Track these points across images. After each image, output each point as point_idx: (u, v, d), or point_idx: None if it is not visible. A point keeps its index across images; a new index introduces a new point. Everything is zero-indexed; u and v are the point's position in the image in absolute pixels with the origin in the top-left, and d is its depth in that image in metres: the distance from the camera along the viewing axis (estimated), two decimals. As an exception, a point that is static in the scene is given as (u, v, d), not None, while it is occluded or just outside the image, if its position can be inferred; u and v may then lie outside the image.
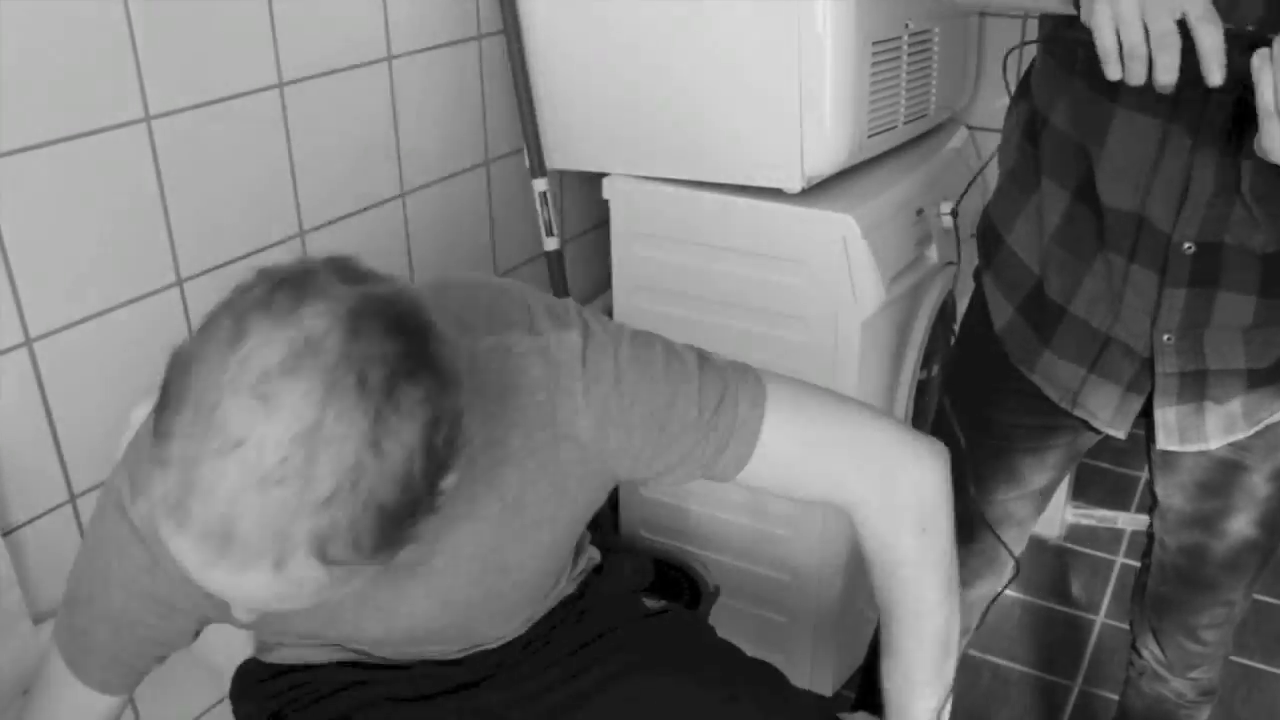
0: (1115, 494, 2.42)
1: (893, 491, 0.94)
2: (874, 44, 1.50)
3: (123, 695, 0.97)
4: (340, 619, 0.95)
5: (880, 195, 1.60)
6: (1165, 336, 1.10)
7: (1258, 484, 1.19)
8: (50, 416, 1.19)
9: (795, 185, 1.52)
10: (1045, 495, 1.32)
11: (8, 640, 1.16)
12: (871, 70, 1.51)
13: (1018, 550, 1.35)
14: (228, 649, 1.25)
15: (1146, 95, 0.88)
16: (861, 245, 1.51)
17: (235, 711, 1.12)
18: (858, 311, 1.56)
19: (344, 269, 0.70)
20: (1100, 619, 2.08)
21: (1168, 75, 0.81)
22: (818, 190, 1.56)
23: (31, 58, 1.09)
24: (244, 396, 0.65)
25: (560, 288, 1.79)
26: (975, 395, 1.29)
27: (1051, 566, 2.24)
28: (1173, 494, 1.24)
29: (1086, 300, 1.13)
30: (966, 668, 1.97)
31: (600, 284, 2.01)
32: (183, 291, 1.29)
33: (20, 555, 1.19)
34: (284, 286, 0.67)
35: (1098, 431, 1.22)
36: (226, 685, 1.47)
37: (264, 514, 0.64)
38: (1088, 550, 2.28)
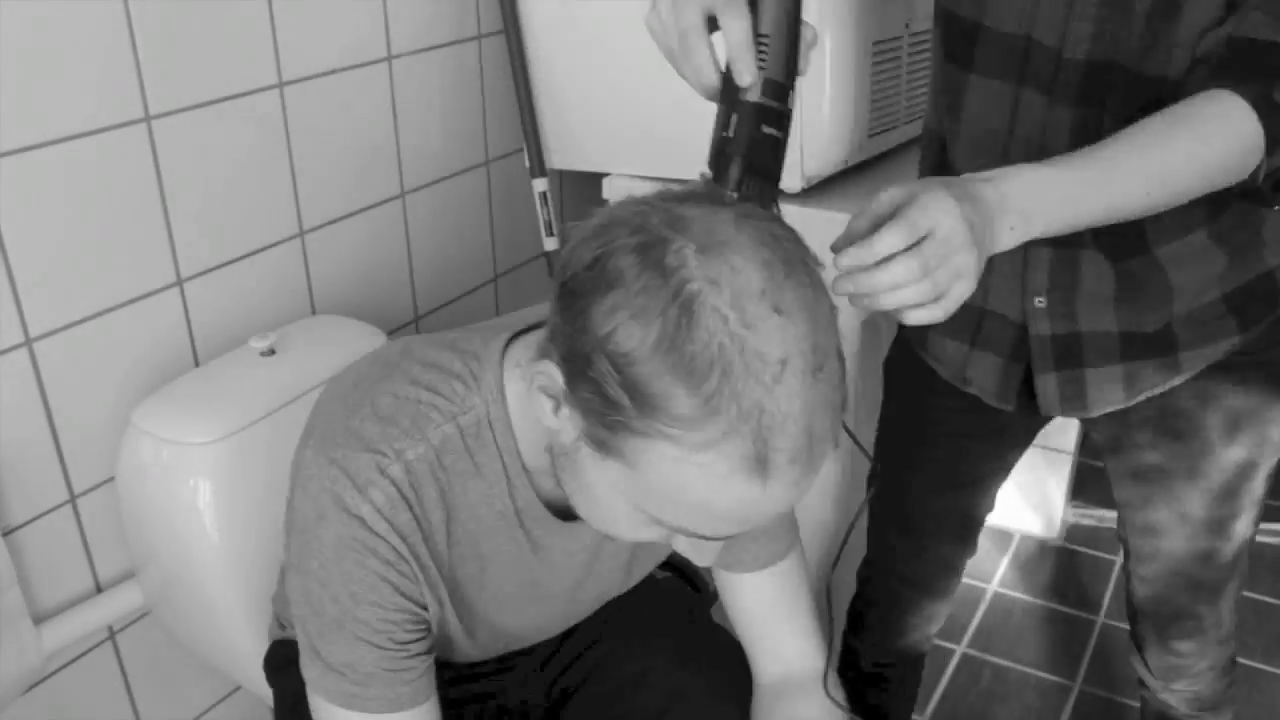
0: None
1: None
2: (874, 44, 1.50)
3: (431, 696, 0.90)
4: (514, 612, 0.99)
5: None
6: (1037, 300, 1.08)
7: (1258, 484, 1.17)
8: (50, 416, 1.19)
9: (795, 185, 1.52)
10: (980, 487, 1.31)
11: (8, 640, 1.16)
12: (871, 70, 1.51)
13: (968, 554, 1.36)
14: (229, 649, 1.26)
15: (995, 65, 0.92)
16: (861, 245, 1.51)
17: (272, 682, 1.12)
18: (858, 311, 1.56)
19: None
20: (1100, 619, 2.08)
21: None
22: (818, 190, 1.56)
23: (31, 58, 1.09)
24: (767, 320, 0.67)
25: (560, 288, 1.80)
26: (903, 392, 1.29)
27: (1051, 566, 2.24)
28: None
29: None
30: (967, 667, 1.98)
31: (600, 284, 2.01)
32: (183, 291, 1.30)
33: (20, 555, 1.19)
34: (646, 245, 0.70)
35: (998, 410, 1.19)
36: (226, 685, 1.47)
37: (825, 403, 0.70)
38: (1088, 550, 2.28)
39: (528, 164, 1.71)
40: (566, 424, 0.75)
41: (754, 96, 0.77)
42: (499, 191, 1.77)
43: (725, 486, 0.70)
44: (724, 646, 1.09)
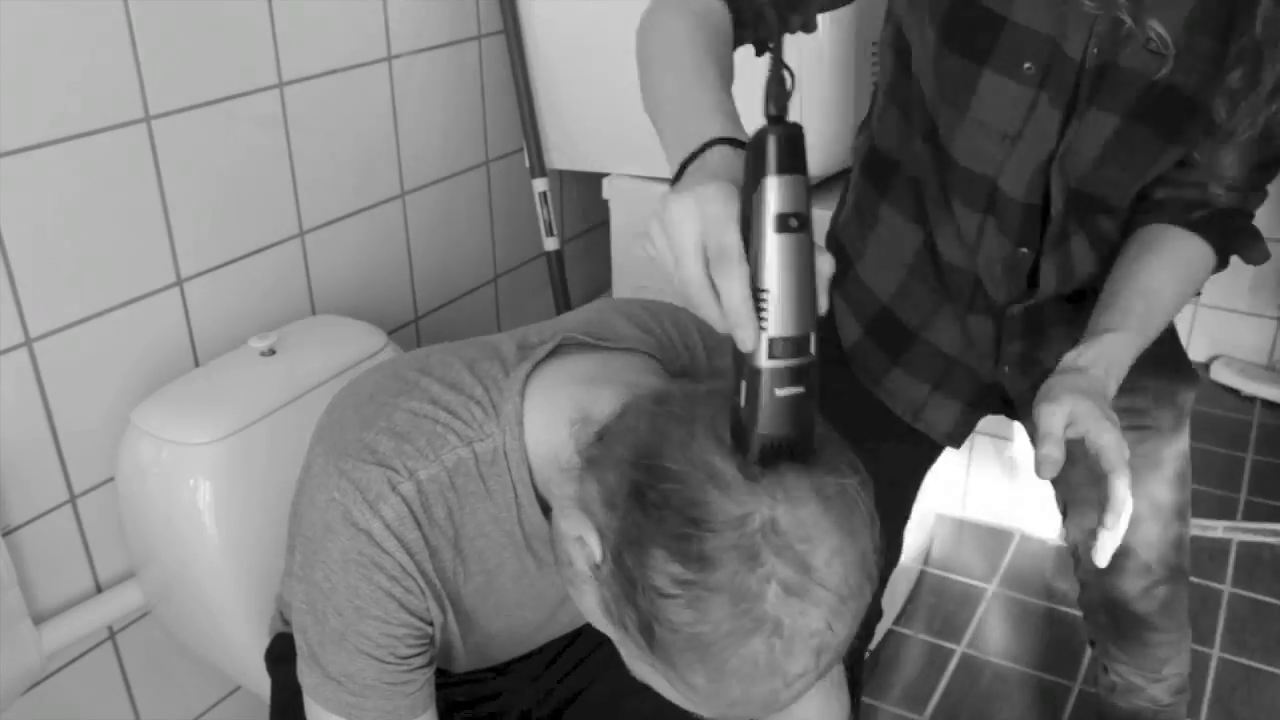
0: (1115, 494, 2.42)
1: None
2: (874, 44, 1.50)
3: (430, 709, 0.90)
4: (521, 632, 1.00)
5: (880, 195, 1.60)
6: (1005, 368, 1.18)
7: (1176, 458, 1.23)
8: (50, 416, 1.19)
9: (795, 185, 1.53)
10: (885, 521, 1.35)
11: (8, 640, 1.16)
12: (872, 70, 1.51)
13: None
14: (229, 648, 1.25)
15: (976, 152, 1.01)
16: (861, 245, 1.51)
17: (272, 673, 1.12)
18: (858, 311, 1.56)
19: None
20: (1100, 619, 2.08)
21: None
22: (817, 190, 1.56)
23: (31, 58, 1.09)
24: (805, 653, 0.70)
25: (560, 288, 1.79)
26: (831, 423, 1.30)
27: (1051, 567, 2.24)
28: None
29: (940, 327, 1.19)
30: (967, 668, 1.98)
31: (600, 284, 2.01)
32: (183, 291, 1.30)
33: (20, 555, 1.19)
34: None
35: (936, 445, 1.27)
36: (227, 685, 1.47)
37: (866, 556, 0.72)
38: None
39: (528, 164, 1.71)
40: (582, 565, 0.76)
41: (761, 362, 0.67)
42: (499, 191, 1.77)
43: (717, 713, 0.74)
44: None
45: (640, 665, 0.75)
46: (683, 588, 0.68)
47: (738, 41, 0.97)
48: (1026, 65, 0.97)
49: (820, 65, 1.44)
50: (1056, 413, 0.95)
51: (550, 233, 1.75)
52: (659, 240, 0.70)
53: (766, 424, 0.68)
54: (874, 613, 1.43)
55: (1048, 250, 1.07)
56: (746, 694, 0.70)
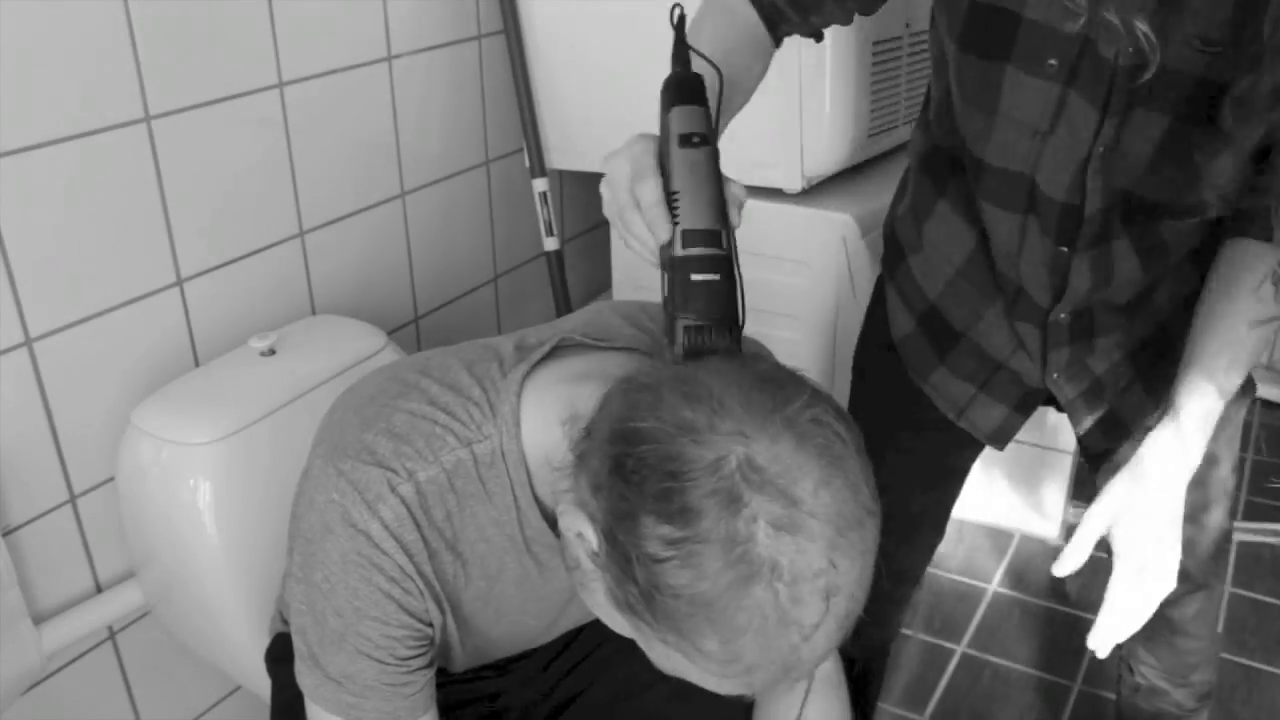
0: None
1: None
2: (874, 44, 1.50)
3: (430, 709, 0.90)
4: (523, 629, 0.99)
5: (880, 195, 1.59)
6: (1054, 374, 1.16)
7: (1226, 475, 1.21)
8: (50, 416, 1.19)
9: (795, 185, 1.53)
10: (934, 507, 1.35)
11: (8, 640, 1.16)
12: (871, 70, 1.51)
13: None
14: (229, 648, 1.25)
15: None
16: (861, 245, 1.51)
17: (272, 674, 1.12)
18: (858, 311, 1.56)
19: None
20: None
21: None
22: (818, 190, 1.56)
23: (31, 58, 1.09)
24: (815, 596, 0.69)
25: (560, 288, 1.79)
26: (876, 409, 1.30)
27: (1051, 566, 2.24)
28: None
29: (986, 330, 1.18)
30: (967, 667, 1.97)
31: (600, 284, 2.01)
32: (183, 291, 1.30)
33: (20, 555, 1.19)
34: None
35: (979, 444, 1.26)
36: (227, 685, 1.47)
37: (847, 627, 0.72)
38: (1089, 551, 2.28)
39: (528, 164, 1.71)
40: (586, 560, 0.76)
41: (677, 250, 0.78)
42: (499, 191, 1.77)
43: (739, 689, 0.73)
44: None
45: (658, 650, 0.74)
46: (674, 547, 0.68)
47: (778, 38, 1.07)
48: (1050, 61, 0.95)
49: (821, 65, 1.44)
50: (1096, 522, 0.99)
51: (550, 233, 1.75)
52: (606, 194, 0.83)
53: (686, 307, 0.77)
54: (893, 601, 1.41)
55: (1081, 249, 1.05)
56: (764, 652, 0.69)
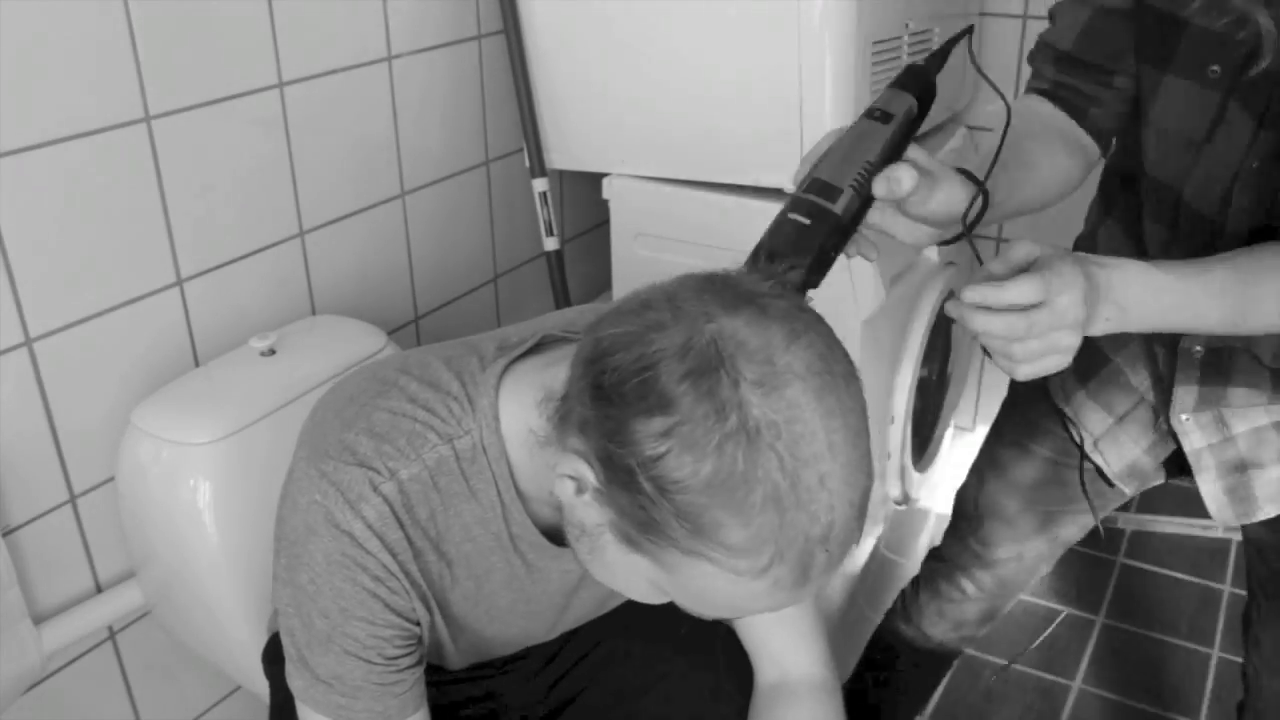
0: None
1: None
2: (874, 44, 1.50)
3: (421, 708, 0.90)
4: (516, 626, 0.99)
5: (880, 195, 1.60)
6: (1183, 417, 1.10)
7: None
8: (50, 416, 1.19)
9: (795, 185, 1.52)
10: (1047, 538, 1.33)
11: (8, 640, 1.16)
12: (872, 70, 1.51)
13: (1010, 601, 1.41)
14: (228, 648, 1.25)
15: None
16: (861, 245, 1.50)
17: (269, 674, 1.12)
18: (858, 311, 1.56)
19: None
20: (1101, 619, 2.08)
21: None
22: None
23: (31, 58, 1.09)
24: (821, 457, 0.69)
25: (560, 288, 1.79)
26: (1015, 421, 1.30)
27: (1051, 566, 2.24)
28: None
29: (1130, 357, 1.15)
30: (967, 667, 1.97)
31: (600, 284, 2.01)
32: (183, 291, 1.29)
33: (20, 555, 1.19)
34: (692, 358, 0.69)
35: (1109, 483, 1.22)
36: (227, 685, 1.47)
37: (860, 517, 0.72)
38: (1088, 550, 2.28)
39: (528, 164, 1.71)
40: (590, 509, 0.75)
41: (791, 188, 0.81)
42: (499, 191, 1.77)
43: (763, 597, 0.72)
44: (727, 648, 1.09)
45: (684, 576, 0.72)
46: (667, 437, 0.67)
47: (1098, 134, 1.05)
48: (1212, 69, 0.93)
49: (821, 65, 1.44)
50: (1028, 246, 0.84)
51: (550, 233, 1.75)
52: None
53: (768, 234, 0.78)
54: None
55: None
56: (785, 530, 0.68)
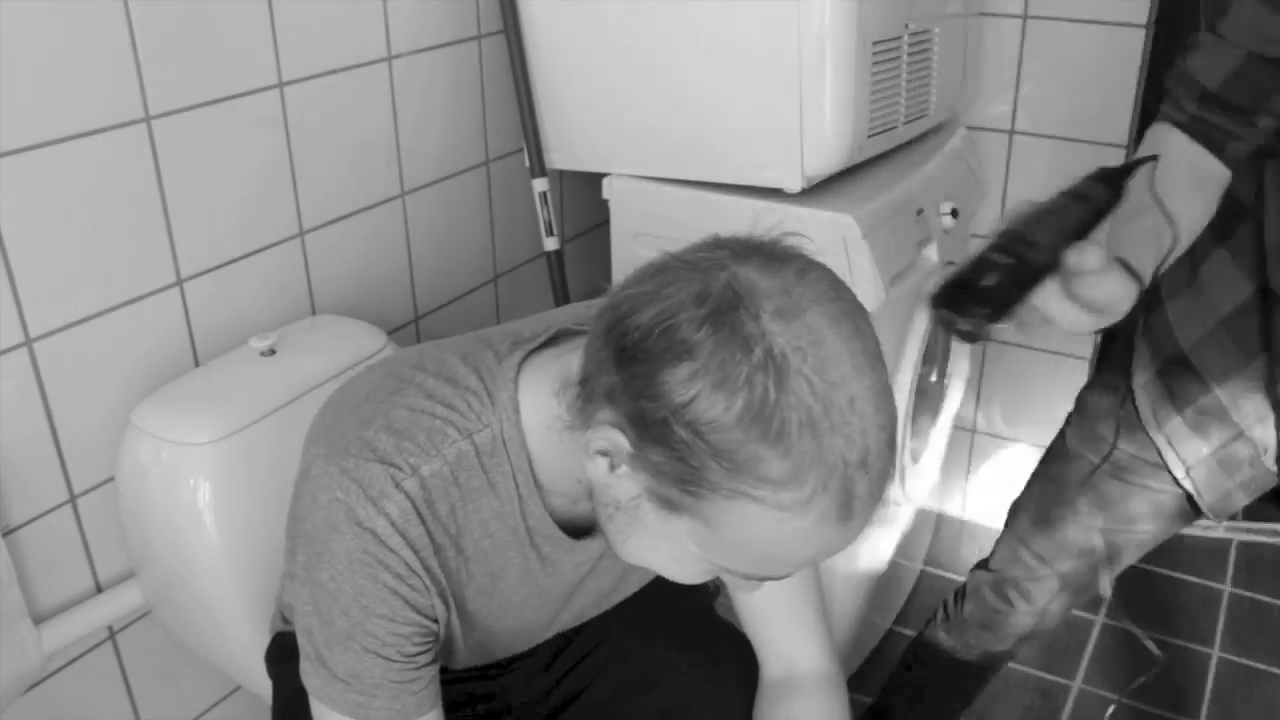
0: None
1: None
2: (874, 44, 1.50)
3: (436, 705, 0.90)
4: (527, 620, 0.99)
5: (880, 195, 1.60)
6: None
7: None
8: (50, 416, 1.19)
9: (795, 185, 1.52)
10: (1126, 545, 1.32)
11: (8, 640, 1.16)
12: (872, 70, 1.51)
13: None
14: (229, 648, 1.25)
15: None
16: (861, 245, 1.51)
17: (272, 674, 1.12)
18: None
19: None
20: (1100, 619, 2.08)
21: None
22: (818, 190, 1.56)
23: (32, 58, 1.09)
24: (848, 380, 0.70)
25: (560, 288, 1.79)
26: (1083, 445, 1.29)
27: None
28: None
29: (1235, 390, 1.14)
30: (966, 668, 1.97)
31: (600, 284, 2.00)
32: (183, 291, 1.30)
33: (20, 555, 1.19)
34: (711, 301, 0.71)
35: (1197, 509, 1.22)
36: (227, 685, 1.47)
37: (891, 443, 0.73)
38: (1088, 550, 2.28)
39: (528, 164, 1.71)
40: (625, 482, 0.75)
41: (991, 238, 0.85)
42: (499, 191, 1.77)
43: (810, 536, 0.72)
44: (730, 644, 1.09)
45: (727, 522, 0.72)
46: (696, 380, 0.68)
47: (1224, 157, 1.03)
48: None
49: (821, 65, 1.44)
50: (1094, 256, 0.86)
51: (550, 233, 1.75)
52: None
53: (968, 267, 0.83)
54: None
55: None
56: (830, 454, 0.69)
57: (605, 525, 0.81)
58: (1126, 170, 0.90)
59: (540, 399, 0.84)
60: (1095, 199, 0.87)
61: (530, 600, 0.96)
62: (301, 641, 0.88)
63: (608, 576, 1.01)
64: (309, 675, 0.88)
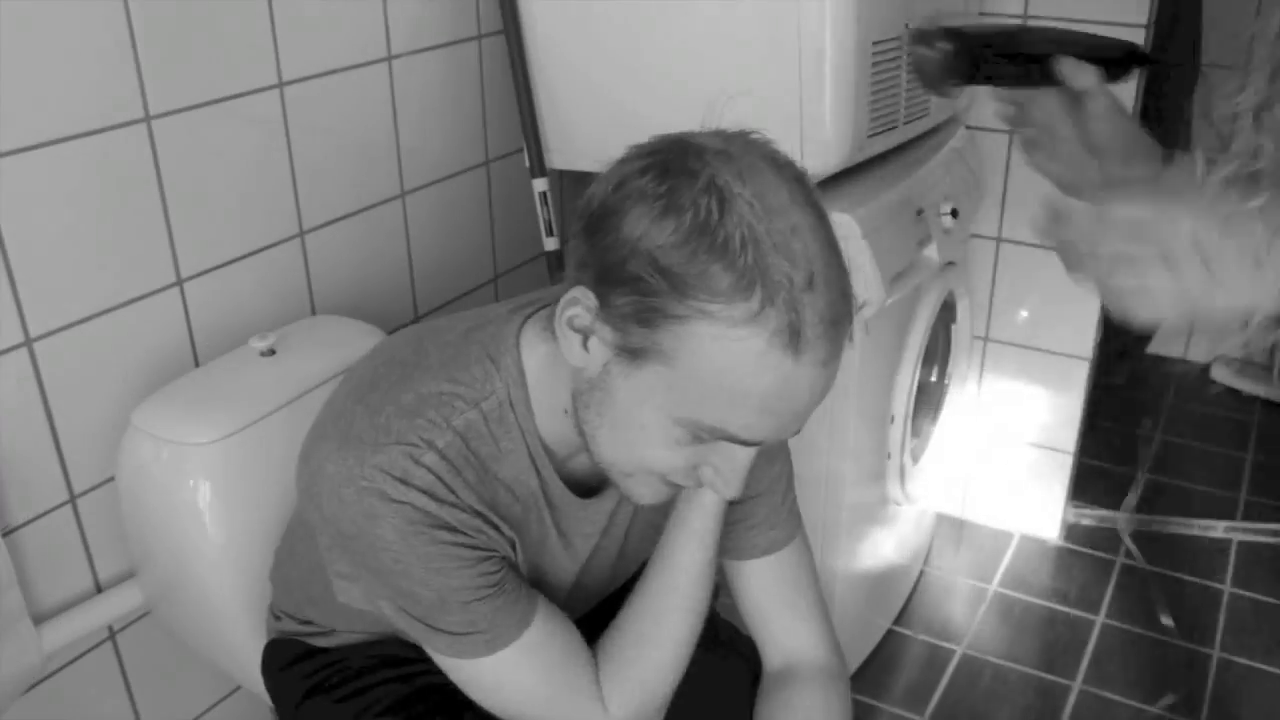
0: (1114, 494, 2.42)
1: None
2: (874, 44, 1.50)
3: (539, 595, 0.92)
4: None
5: (880, 195, 1.60)
6: None
7: None
8: (50, 416, 1.19)
9: (795, 185, 1.52)
10: None
11: (8, 640, 1.16)
12: (872, 70, 1.51)
13: None
14: (229, 649, 1.25)
15: None
16: (861, 245, 1.51)
17: (269, 684, 1.12)
18: (857, 311, 1.56)
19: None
20: (1100, 619, 2.08)
21: None
22: (821, 188, 1.56)
23: (31, 58, 1.09)
24: (788, 209, 0.75)
25: (560, 288, 1.80)
26: None
27: (1051, 566, 2.24)
28: None
29: None
30: (967, 667, 1.98)
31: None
32: (183, 291, 1.30)
33: (20, 555, 1.19)
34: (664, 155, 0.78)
35: None
36: (227, 685, 1.47)
37: (841, 285, 0.76)
38: (1087, 550, 2.28)
39: (528, 164, 1.71)
40: (596, 351, 0.79)
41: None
42: (499, 191, 1.77)
43: (763, 363, 0.74)
44: (731, 636, 1.10)
45: (691, 368, 0.75)
46: (647, 215, 0.74)
47: None
48: None
49: (821, 65, 1.44)
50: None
51: (550, 233, 1.75)
52: None
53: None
54: None
55: None
56: (775, 271, 0.73)
57: (583, 418, 0.84)
58: (1147, 58, 0.93)
59: (537, 354, 0.87)
60: (1102, 47, 0.91)
61: (547, 578, 0.97)
62: (404, 626, 0.89)
63: (605, 556, 1.02)
64: (429, 643, 0.89)
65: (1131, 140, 0.92)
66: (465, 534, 0.85)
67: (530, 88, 1.66)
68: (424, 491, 0.82)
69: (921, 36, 0.89)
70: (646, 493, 0.87)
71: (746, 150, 0.77)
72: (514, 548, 0.91)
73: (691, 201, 0.73)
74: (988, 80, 0.93)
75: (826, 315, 0.74)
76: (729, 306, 0.73)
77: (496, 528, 0.88)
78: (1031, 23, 1.92)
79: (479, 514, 0.86)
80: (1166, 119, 2.17)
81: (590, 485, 0.96)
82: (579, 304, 0.79)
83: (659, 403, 0.78)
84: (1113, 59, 0.91)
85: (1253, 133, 0.80)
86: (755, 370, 0.74)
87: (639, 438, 0.81)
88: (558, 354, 0.82)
